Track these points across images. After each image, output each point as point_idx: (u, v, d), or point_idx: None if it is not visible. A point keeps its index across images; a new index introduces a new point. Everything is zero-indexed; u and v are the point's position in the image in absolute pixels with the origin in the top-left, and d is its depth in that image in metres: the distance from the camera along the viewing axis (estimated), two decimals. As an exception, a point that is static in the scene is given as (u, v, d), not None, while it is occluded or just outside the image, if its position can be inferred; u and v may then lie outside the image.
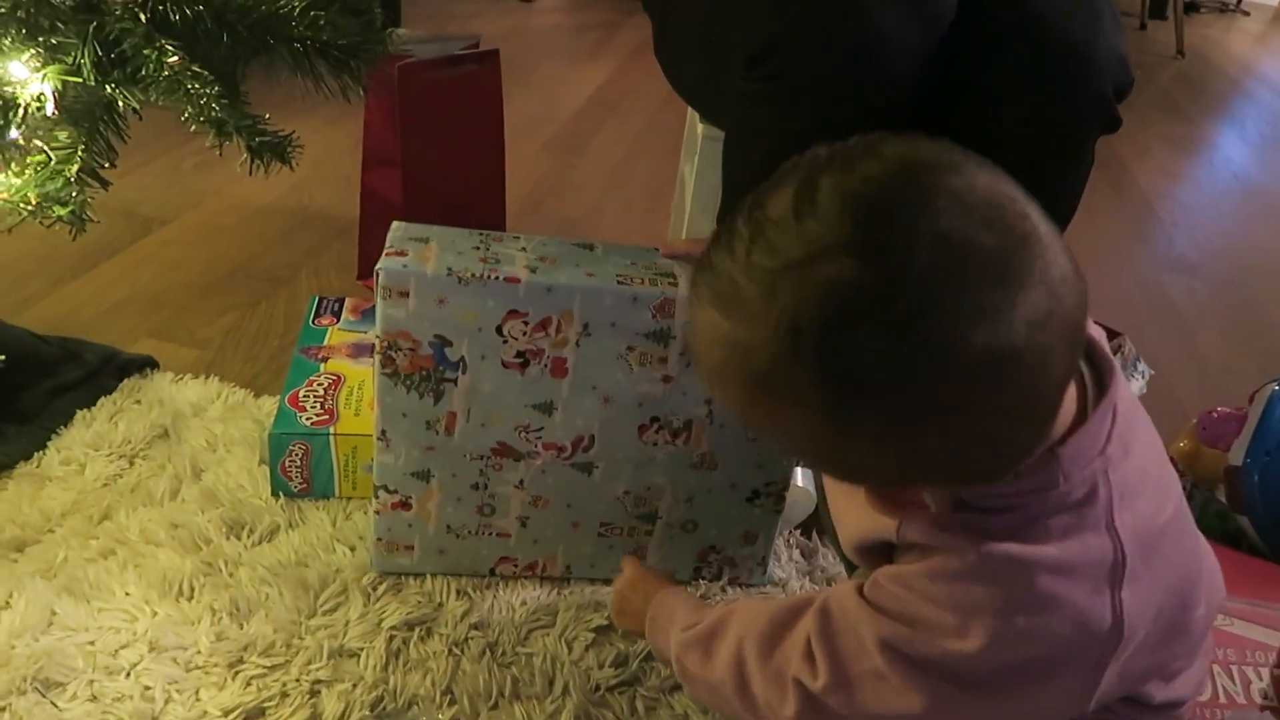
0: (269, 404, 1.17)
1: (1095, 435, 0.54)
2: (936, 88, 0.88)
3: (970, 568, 0.53)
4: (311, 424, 1.03)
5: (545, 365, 0.83)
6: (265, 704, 0.82)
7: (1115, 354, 1.19)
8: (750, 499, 0.94)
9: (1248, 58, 3.93)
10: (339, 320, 1.22)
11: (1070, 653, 0.54)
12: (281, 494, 1.04)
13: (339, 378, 1.11)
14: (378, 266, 0.79)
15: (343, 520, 1.02)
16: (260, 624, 0.89)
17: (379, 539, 0.93)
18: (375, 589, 0.94)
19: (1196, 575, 0.62)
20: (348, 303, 1.27)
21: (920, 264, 0.44)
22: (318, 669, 0.86)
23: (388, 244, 0.84)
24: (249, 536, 0.98)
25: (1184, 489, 0.70)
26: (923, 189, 0.46)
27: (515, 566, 0.96)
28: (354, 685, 0.85)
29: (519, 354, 0.82)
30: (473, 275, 0.79)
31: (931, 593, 0.54)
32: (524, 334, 0.81)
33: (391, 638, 0.90)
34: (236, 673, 0.85)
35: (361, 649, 0.88)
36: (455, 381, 0.83)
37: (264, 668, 0.85)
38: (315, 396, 1.07)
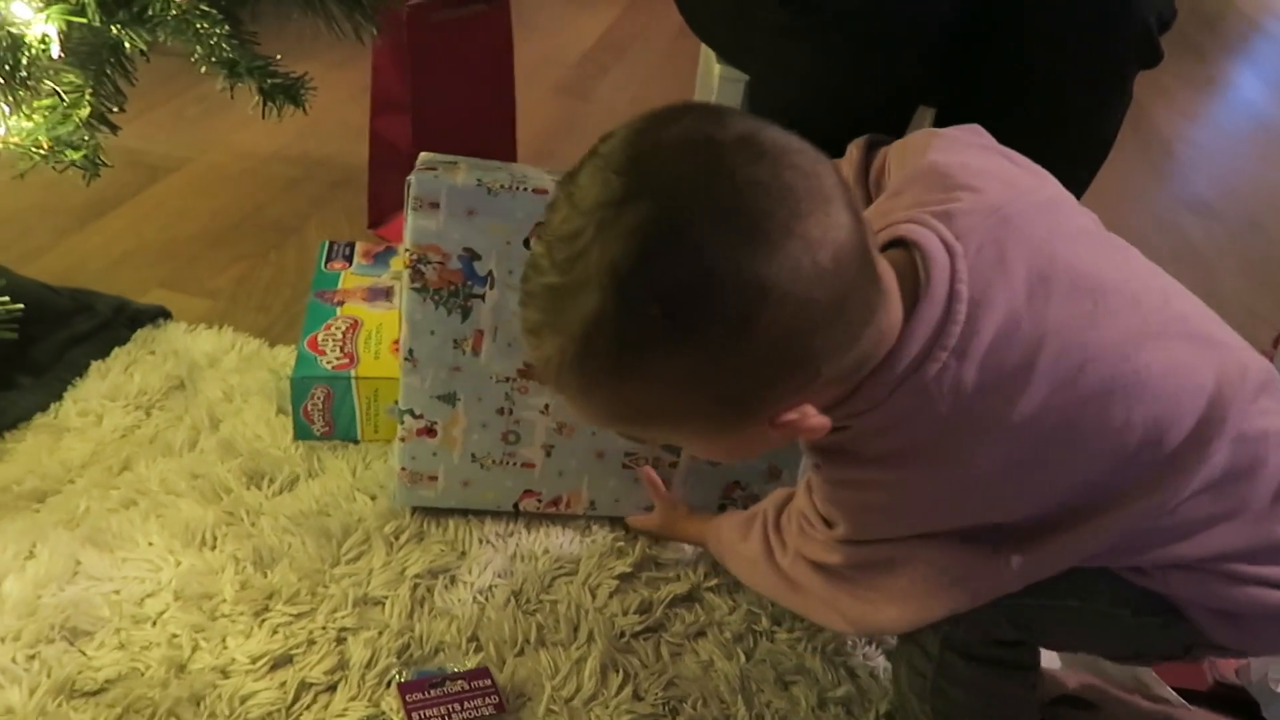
0: (284, 354, 1.16)
1: (915, 341, 0.54)
2: (970, 25, 0.85)
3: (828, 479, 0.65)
4: (333, 367, 1.02)
5: None
6: (292, 651, 0.83)
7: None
8: None
9: (1266, -5, 3.84)
10: (351, 264, 1.21)
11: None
12: (303, 438, 1.04)
13: (356, 321, 1.10)
14: (409, 178, 0.81)
15: (363, 470, 1.01)
16: (284, 572, 0.89)
17: (403, 469, 0.91)
18: (398, 537, 0.94)
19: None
20: (359, 247, 1.25)
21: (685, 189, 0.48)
22: (343, 617, 0.86)
23: (418, 164, 0.85)
24: (269, 486, 0.98)
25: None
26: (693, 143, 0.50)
27: (539, 501, 0.94)
28: (380, 633, 0.85)
29: None
30: (501, 186, 0.81)
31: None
32: None
33: (415, 585, 0.89)
34: (263, 620, 0.85)
35: (386, 597, 0.88)
36: (483, 298, 0.85)
37: (290, 615, 0.85)
38: (334, 340, 1.06)
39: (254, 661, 0.81)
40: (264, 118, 0.82)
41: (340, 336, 1.07)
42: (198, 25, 0.76)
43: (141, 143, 1.65)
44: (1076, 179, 0.93)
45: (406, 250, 0.82)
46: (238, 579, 0.88)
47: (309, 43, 0.92)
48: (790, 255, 0.47)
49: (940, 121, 0.99)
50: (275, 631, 0.84)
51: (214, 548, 0.91)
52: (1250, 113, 2.49)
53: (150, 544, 0.90)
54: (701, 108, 0.52)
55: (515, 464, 0.92)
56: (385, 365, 1.04)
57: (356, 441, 1.05)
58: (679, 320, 0.48)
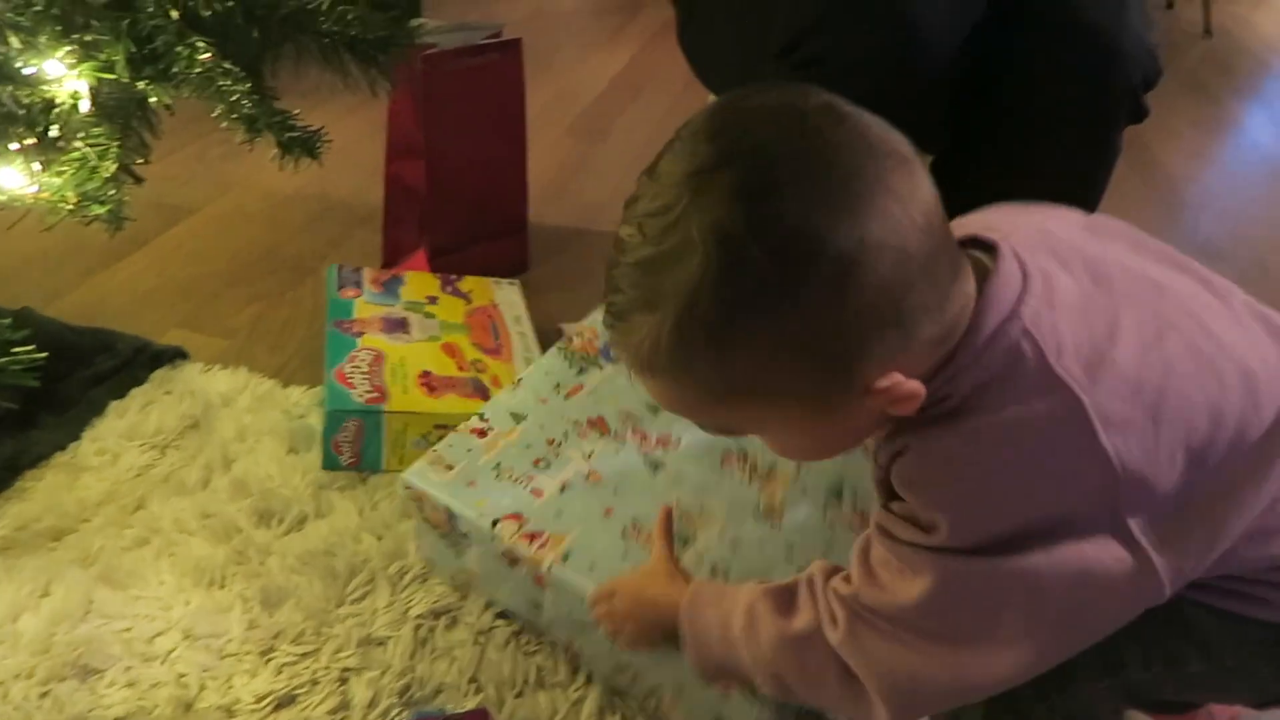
0: (297, 394, 1.19)
1: (1000, 300, 0.53)
2: (968, 76, 0.88)
3: (922, 459, 0.54)
4: (365, 401, 1.05)
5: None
6: (296, 691, 0.84)
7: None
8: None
9: (1277, 37, 3.87)
10: (362, 291, 1.24)
11: (1063, 510, 0.52)
12: (330, 469, 1.07)
13: (380, 354, 1.13)
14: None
15: (369, 510, 1.04)
16: (290, 612, 0.91)
17: (434, 449, 0.93)
18: (402, 578, 0.96)
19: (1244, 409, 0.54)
20: (366, 274, 1.28)
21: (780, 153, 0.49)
22: (347, 656, 0.87)
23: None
24: (278, 526, 1.00)
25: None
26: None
27: (518, 528, 0.86)
28: (382, 673, 0.87)
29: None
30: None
31: (902, 508, 0.56)
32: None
33: (418, 626, 0.91)
34: (268, 660, 0.86)
35: (389, 637, 0.90)
36: (601, 367, 0.98)
37: (295, 655, 0.87)
38: (360, 373, 1.09)
39: (259, 701, 0.83)
40: (280, 169, 0.85)
41: (366, 369, 1.10)
42: (220, 82, 0.79)
43: (164, 184, 1.69)
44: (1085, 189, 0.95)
45: (566, 329, 1.01)
46: (245, 618, 0.90)
47: (327, 86, 0.95)
48: (883, 208, 0.48)
49: (935, 170, 1.01)
50: (280, 671, 0.86)
51: (223, 587, 0.93)
52: (1260, 154, 2.50)
53: (162, 582, 0.92)
54: (780, 83, 0.53)
55: (525, 487, 0.90)
56: (414, 399, 1.07)
57: (379, 471, 1.08)
58: (784, 275, 0.47)
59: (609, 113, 2.27)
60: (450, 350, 1.17)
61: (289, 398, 1.19)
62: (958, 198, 0.99)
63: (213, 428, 1.12)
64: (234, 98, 0.78)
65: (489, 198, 1.49)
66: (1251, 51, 3.53)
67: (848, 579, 0.59)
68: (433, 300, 1.27)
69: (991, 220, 0.60)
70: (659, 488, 0.88)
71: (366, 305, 1.22)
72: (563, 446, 0.91)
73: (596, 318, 0.99)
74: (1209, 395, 0.53)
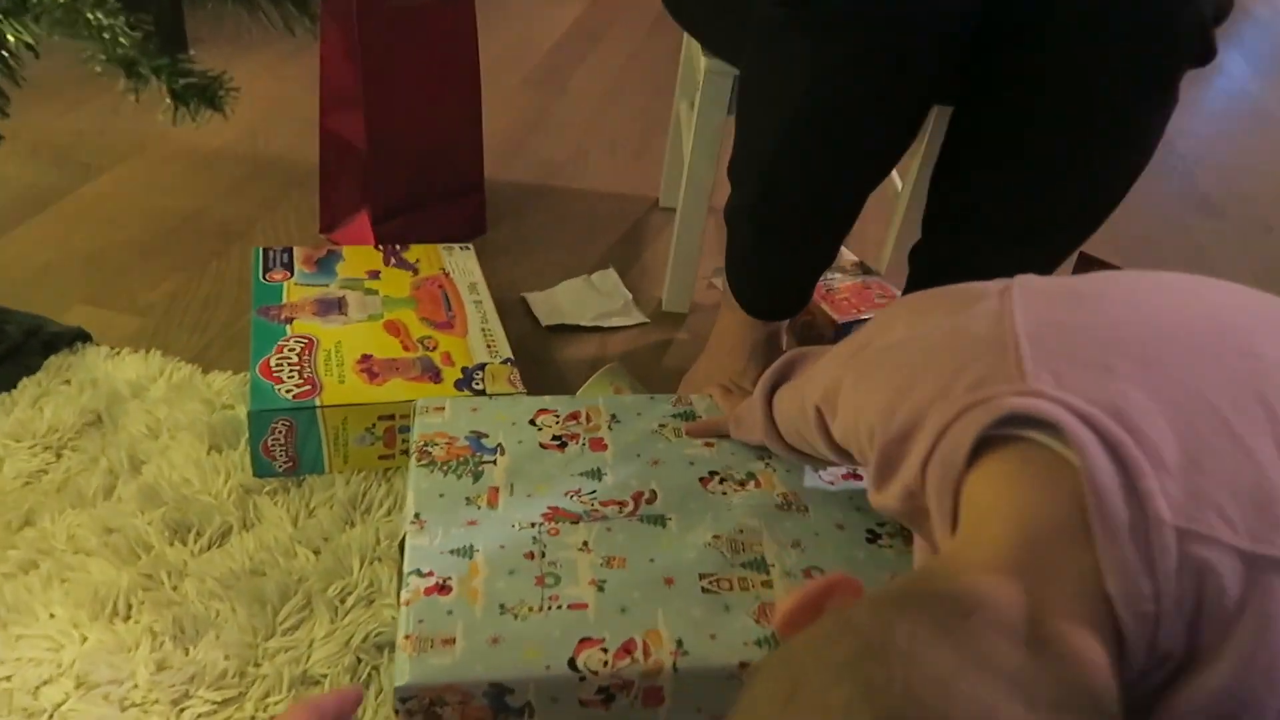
0: (220, 381, 1.04)
1: None
2: (993, 9, 0.74)
3: None
4: (293, 397, 0.91)
5: (583, 444, 0.84)
6: (215, 747, 0.71)
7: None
8: (871, 539, 0.79)
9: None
10: (293, 273, 1.09)
11: None
12: (263, 476, 0.93)
13: (311, 340, 0.99)
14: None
15: (305, 518, 0.90)
16: (209, 649, 0.77)
17: (407, 636, 0.67)
18: (344, 600, 0.83)
19: None
20: (298, 253, 1.13)
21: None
22: (276, 703, 0.74)
23: (417, 409, 0.87)
24: (196, 541, 0.86)
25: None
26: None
27: (605, 651, 0.68)
28: None
29: (555, 437, 0.84)
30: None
31: None
32: (557, 423, 0.86)
33: (359, 661, 0.78)
34: (181, 709, 0.73)
35: (326, 675, 0.77)
36: (494, 462, 0.81)
37: (213, 704, 0.74)
38: (289, 365, 0.95)
39: (169, 762, 0.70)
40: (175, 123, 0.70)
41: (296, 359, 0.96)
42: (89, 15, 0.63)
43: (72, 138, 1.51)
44: (1109, 192, 0.83)
45: (414, 443, 0.82)
46: (154, 658, 0.76)
47: (260, 31, 0.80)
48: None
49: (957, 122, 0.88)
50: (196, 722, 0.72)
51: (128, 619, 0.79)
52: (1249, 104, 2.41)
53: (52, 616, 0.78)
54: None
55: (560, 606, 0.71)
56: (351, 389, 0.93)
57: (321, 473, 0.94)
58: None
59: (568, 62, 2.11)
60: (394, 329, 1.03)
61: (211, 385, 1.04)
62: (979, 156, 0.87)
63: (119, 424, 0.97)
64: (107, 35, 0.62)
65: (439, 155, 1.34)
66: (1232, -3, 3.41)
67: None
68: (374, 275, 1.12)
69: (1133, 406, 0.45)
70: (683, 534, 0.77)
71: (297, 288, 1.07)
72: (549, 551, 0.75)
73: (430, 420, 0.84)
74: None
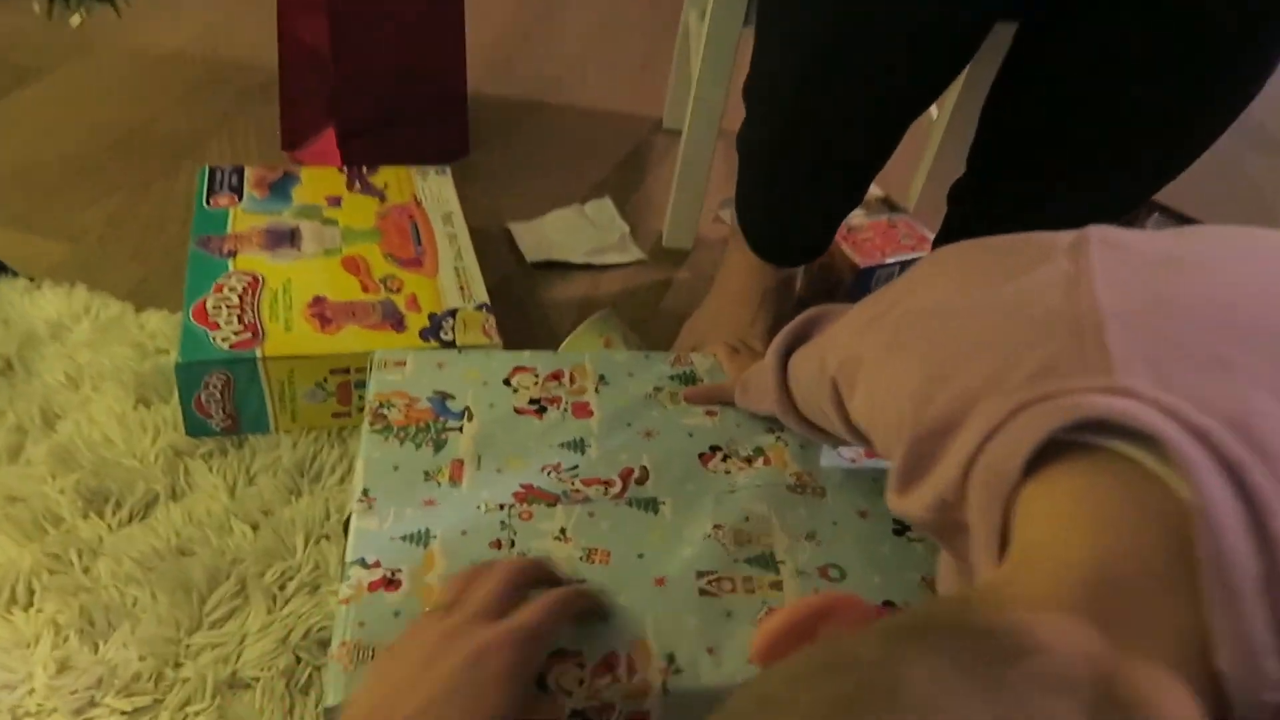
0: (155, 320, 0.92)
1: None
2: None
3: None
4: (230, 346, 0.79)
5: (565, 409, 0.72)
6: (123, 767, 0.60)
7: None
8: (899, 532, 0.68)
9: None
10: (241, 198, 0.96)
11: None
12: (197, 434, 0.81)
13: (256, 279, 0.86)
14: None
15: (244, 486, 0.78)
16: (122, 645, 0.66)
17: (343, 643, 0.56)
18: (283, 587, 0.71)
19: None
20: (248, 175, 0.99)
21: None
22: (196, 713, 0.63)
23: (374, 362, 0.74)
24: (115, 514, 0.74)
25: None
26: None
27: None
28: (248, 733, 0.63)
29: (533, 401, 0.73)
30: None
31: None
32: (535, 384, 0.74)
33: (298, 661, 0.67)
34: (84, 721, 0.62)
35: (258, 679, 0.66)
36: (460, 429, 0.69)
37: (122, 714, 0.63)
38: (229, 307, 0.82)
39: (63, 787, 0.59)
40: (50, 18, 0.55)
41: (237, 301, 0.83)
42: None
43: (7, 37, 1.35)
44: (1208, 125, 0.70)
45: (369, 403, 0.70)
46: (55, 656, 0.65)
47: None
48: None
49: (1023, 34, 0.74)
50: (100, 736, 0.62)
51: (28, 608, 0.68)
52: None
53: (-63, 604, 0.67)
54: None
55: None
56: (300, 338, 0.81)
57: (265, 433, 0.82)
58: None
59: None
60: (353, 266, 0.90)
61: (145, 326, 0.91)
62: (1050, 72, 0.72)
63: (33, 371, 0.84)
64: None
65: (416, 66, 1.19)
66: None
67: None
68: (334, 202, 0.98)
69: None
70: (679, 523, 0.65)
71: (245, 216, 0.93)
72: (520, 540, 0.62)
73: (389, 378, 0.72)
74: None
